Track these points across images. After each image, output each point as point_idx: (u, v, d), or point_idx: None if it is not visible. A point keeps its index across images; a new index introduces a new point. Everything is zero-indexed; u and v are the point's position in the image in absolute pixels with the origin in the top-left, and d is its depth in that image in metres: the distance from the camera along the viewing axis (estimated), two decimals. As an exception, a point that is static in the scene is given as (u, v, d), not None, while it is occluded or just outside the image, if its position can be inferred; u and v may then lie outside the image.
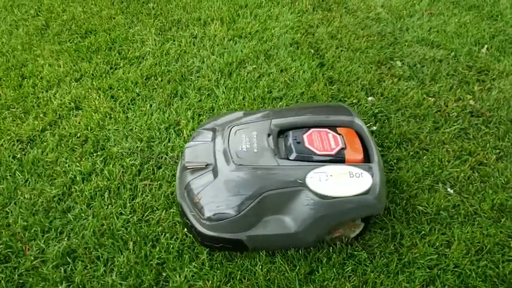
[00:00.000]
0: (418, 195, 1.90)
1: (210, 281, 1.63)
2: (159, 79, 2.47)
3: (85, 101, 2.32)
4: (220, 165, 1.62)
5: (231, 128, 1.75)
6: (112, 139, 2.12)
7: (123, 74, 2.49)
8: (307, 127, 1.75)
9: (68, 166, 2.01)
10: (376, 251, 1.72)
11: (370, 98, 2.38)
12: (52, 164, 2.02)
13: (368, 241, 1.75)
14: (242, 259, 1.69)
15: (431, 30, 2.85)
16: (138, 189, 1.91)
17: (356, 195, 1.55)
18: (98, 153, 2.07)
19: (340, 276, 1.65)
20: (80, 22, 2.87)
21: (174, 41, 2.73)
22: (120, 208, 1.84)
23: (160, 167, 2.01)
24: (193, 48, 2.67)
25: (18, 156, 2.06)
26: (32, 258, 1.69)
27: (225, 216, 1.57)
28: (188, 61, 2.58)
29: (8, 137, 2.13)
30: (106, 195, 1.89)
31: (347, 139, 1.70)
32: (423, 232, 1.77)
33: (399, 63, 2.61)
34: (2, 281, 1.63)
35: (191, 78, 2.47)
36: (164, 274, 1.65)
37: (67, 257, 1.69)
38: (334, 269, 1.66)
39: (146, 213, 1.83)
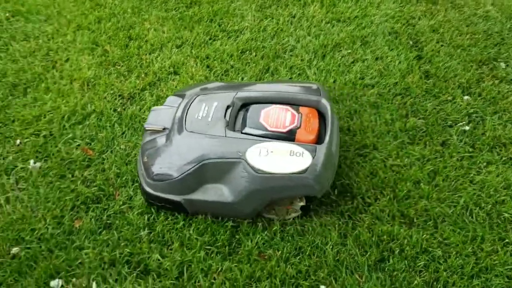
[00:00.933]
0: (506, 202, 1.81)
1: (280, 251, 1.68)
2: (253, 54, 2.53)
3: (183, 67, 2.44)
4: (174, 130, 1.70)
5: (196, 97, 1.80)
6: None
7: (220, 45, 2.58)
8: (271, 103, 1.75)
9: (161, 124, 2.13)
10: (452, 250, 1.67)
11: (466, 97, 2.27)
12: (147, 121, 2.16)
13: (445, 239, 1.70)
14: (314, 236, 1.72)
15: (545, 34, 2.66)
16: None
17: (292, 173, 1.55)
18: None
19: (411, 269, 1.63)
20: (186, -8, 3.00)
21: (272, 18, 2.77)
22: (204, 170, 1.93)
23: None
24: (290, 27, 2.70)
25: (119, 109, 2.22)
26: (121, 203, 1.84)
27: (166, 177, 1.66)
28: (283, 39, 2.61)
29: (111, 91, 2.30)
30: (192, 156, 1.99)
31: (305, 119, 1.68)
32: (506, 240, 1.70)
33: (503, 65, 2.47)
34: (92, 220, 1.79)
35: (284, 56, 2.51)
36: (237, 236, 1.73)
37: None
38: (406, 261, 1.64)
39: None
